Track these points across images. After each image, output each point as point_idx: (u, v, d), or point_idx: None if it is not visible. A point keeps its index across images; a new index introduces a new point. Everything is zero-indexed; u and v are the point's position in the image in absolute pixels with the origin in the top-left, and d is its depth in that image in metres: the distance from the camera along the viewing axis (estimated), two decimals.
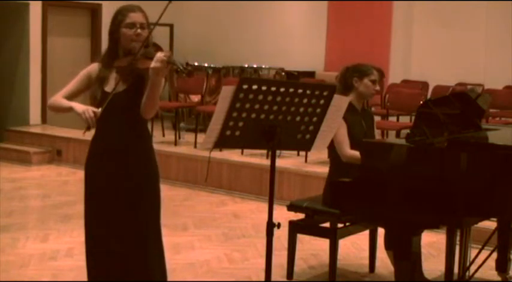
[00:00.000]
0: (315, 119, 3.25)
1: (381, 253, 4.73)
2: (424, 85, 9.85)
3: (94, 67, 3.61)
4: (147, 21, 3.56)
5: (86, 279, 4.76)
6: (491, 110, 8.50)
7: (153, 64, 3.28)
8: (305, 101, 3.17)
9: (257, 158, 7.82)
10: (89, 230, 3.65)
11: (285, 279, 4.80)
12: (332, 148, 4.62)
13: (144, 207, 3.60)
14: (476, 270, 4.36)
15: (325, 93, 3.21)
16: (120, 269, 3.58)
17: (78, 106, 3.44)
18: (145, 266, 3.60)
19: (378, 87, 4.75)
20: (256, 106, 3.06)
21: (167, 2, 3.26)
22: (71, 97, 3.60)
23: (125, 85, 3.48)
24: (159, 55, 3.28)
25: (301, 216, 4.84)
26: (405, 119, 8.88)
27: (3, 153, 9.57)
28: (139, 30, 3.48)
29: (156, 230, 3.67)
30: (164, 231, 3.76)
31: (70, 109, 3.50)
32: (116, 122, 3.51)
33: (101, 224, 3.59)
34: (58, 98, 3.59)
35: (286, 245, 4.81)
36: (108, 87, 3.51)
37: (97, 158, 3.60)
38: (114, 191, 3.55)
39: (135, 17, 3.51)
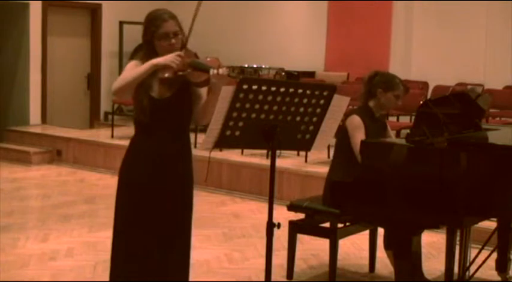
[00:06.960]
0: (315, 119, 3.25)
1: (381, 253, 4.73)
2: (424, 85, 9.85)
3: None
4: (180, 26, 3.51)
5: (85, 279, 4.77)
6: (491, 110, 8.50)
7: (213, 80, 3.30)
8: (305, 101, 3.17)
9: (257, 158, 7.82)
10: (125, 232, 3.55)
11: (285, 279, 4.79)
12: (340, 146, 4.61)
13: (189, 211, 3.66)
14: (476, 270, 4.36)
15: (325, 93, 3.21)
16: (161, 272, 3.60)
17: (160, 59, 3.36)
18: (187, 268, 3.76)
19: (400, 103, 4.70)
20: (256, 106, 3.06)
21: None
22: None
23: (169, 92, 3.44)
24: (222, 71, 3.29)
25: (301, 216, 4.84)
26: (405, 119, 8.88)
27: (3, 153, 9.58)
28: (173, 41, 3.44)
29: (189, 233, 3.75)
30: None
31: (152, 67, 3.35)
32: (161, 128, 3.49)
33: (142, 226, 3.52)
34: (126, 75, 3.41)
35: (286, 245, 4.81)
36: (154, 93, 3.45)
37: (138, 163, 3.52)
38: (159, 194, 3.51)
39: (167, 26, 3.45)
